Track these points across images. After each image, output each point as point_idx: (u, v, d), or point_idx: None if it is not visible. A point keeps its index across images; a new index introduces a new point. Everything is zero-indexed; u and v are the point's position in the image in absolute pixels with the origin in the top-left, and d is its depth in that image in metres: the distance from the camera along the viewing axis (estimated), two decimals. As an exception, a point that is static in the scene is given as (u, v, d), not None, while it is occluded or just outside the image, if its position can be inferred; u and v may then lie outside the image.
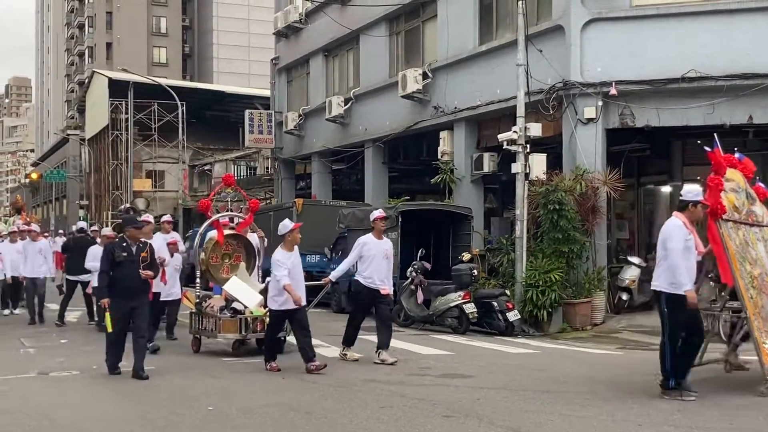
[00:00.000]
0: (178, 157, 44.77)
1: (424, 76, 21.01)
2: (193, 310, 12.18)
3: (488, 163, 19.09)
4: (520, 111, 15.85)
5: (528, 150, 15.82)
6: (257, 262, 12.79)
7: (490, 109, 18.85)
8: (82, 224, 19.87)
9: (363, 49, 24.81)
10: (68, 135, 64.81)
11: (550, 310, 15.08)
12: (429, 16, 21.93)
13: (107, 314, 9.79)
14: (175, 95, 40.25)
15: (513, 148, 15.86)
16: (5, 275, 17.43)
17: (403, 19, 23.26)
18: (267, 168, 38.96)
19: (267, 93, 36.12)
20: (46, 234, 24.14)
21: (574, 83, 16.38)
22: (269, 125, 30.49)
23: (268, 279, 12.40)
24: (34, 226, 17.95)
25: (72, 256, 16.89)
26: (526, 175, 15.77)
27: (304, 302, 10.31)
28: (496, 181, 22.17)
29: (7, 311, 17.95)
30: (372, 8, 23.12)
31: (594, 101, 16.32)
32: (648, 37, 16.21)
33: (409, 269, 15.70)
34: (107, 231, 16.05)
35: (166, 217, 14.98)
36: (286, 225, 10.57)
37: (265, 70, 41.85)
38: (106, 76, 51.19)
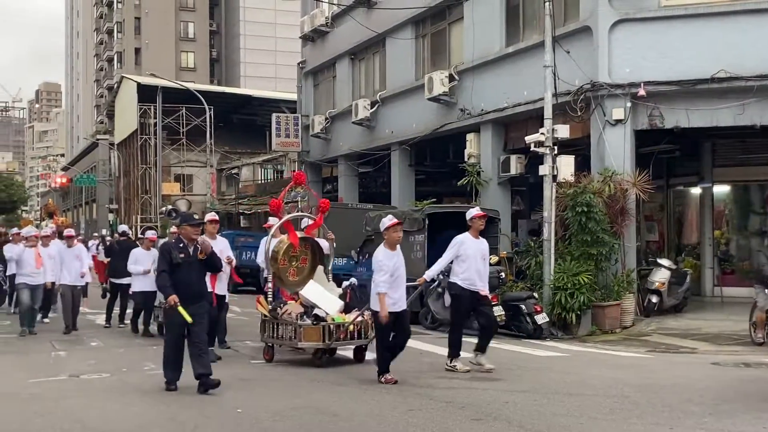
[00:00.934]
0: (205, 161, 45.07)
1: (451, 78, 20.98)
2: (266, 317, 11.47)
3: (515, 166, 19.02)
4: (548, 113, 15.77)
5: (556, 152, 15.73)
6: (326, 266, 12.11)
7: (517, 111, 18.78)
8: (124, 227, 19.93)
9: (389, 52, 24.83)
10: (98, 139, 65.52)
11: (578, 312, 14.98)
12: (455, 18, 21.90)
13: (181, 308, 8.89)
14: (202, 99, 40.53)
15: (540, 150, 15.79)
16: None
17: (429, 21, 23.25)
18: (294, 171, 39.05)
19: (294, 97, 36.27)
20: (80, 237, 24.30)
21: (602, 84, 16.27)
22: (296, 129, 30.61)
23: (345, 283, 12.00)
24: (71, 230, 17.30)
25: (116, 260, 17.03)
26: (554, 177, 15.69)
27: (405, 305, 9.83)
28: (523, 183, 22.10)
29: (12, 309, 17.83)
30: (398, 11, 23.13)
31: (622, 102, 16.21)
32: (677, 38, 16.07)
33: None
34: (150, 234, 15.87)
35: (210, 216, 14.78)
36: (383, 222, 9.96)
37: (291, 73, 42.06)
38: (135, 81, 51.73)
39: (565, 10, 17.79)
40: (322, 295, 11.35)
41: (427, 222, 16.71)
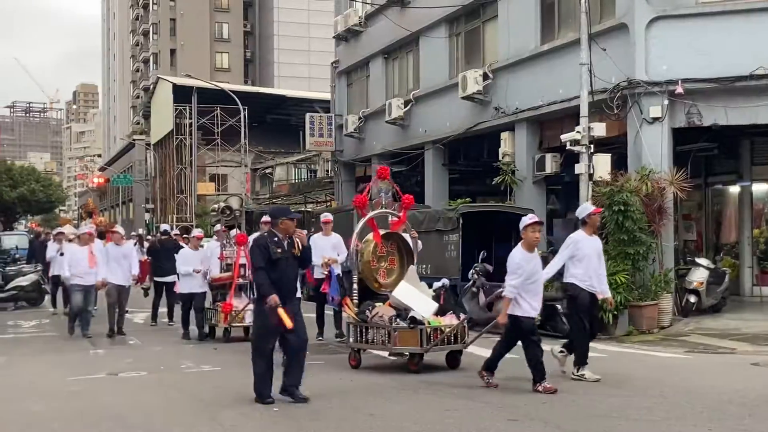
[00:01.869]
0: (240, 161, 45.23)
1: (485, 77, 20.88)
2: (353, 320, 10.83)
3: (551, 164, 18.88)
4: (584, 111, 15.64)
5: (592, 150, 15.59)
6: (412, 265, 11.42)
7: (553, 109, 18.65)
8: (166, 227, 20.09)
9: (423, 51, 24.79)
10: (134, 140, 66.20)
11: (615, 312, 14.82)
12: (489, 17, 21.80)
13: (281, 311, 8.25)
14: (237, 100, 40.76)
15: (576, 148, 15.66)
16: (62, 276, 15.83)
17: (463, 20, 23.17)
18: (327, 171, 39.23)
19: (327, 96, 36.33)
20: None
21: (638, 82, 16.11)
22: (329, 128, 30.67)
23: (437, 284, 11.31)
24: (119, 228, 16.76)
25: (158, 259, 17.18)
26: (590, 176, 15.55)
27: (536, 313, 9.29)
28: (558, 182, 21.94)
29: (51, 309, 18.23)
30: (432, 10, 23.08)
31: (659, 100, 16.03)
32: (714, 35, 15.87)
33: (471, 271, 15.56)
34: (197, 232, 15.64)
35: (266, 218, 14.76)
36: (523, 221, 9.40)
37: (325, 73, 42.09)
38: (171, 82, 52.24)
39: (601, 7, 17.63)
40: (416, 296, 10.71)
41: (461, 221, 16.65)
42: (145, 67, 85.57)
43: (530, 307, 9.13)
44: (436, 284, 11.04)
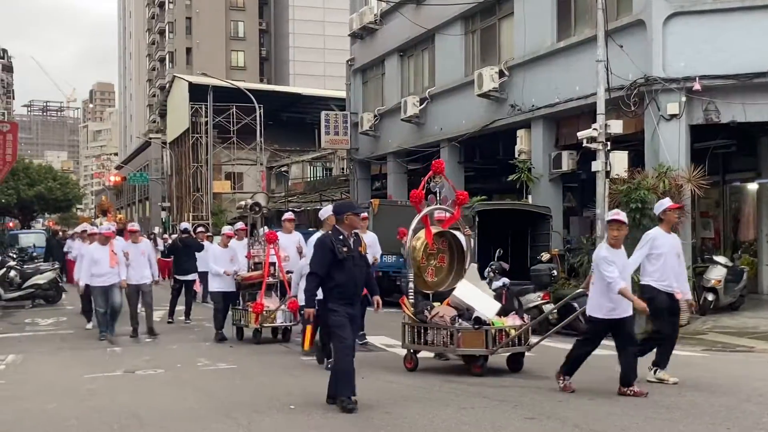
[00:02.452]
0: (255, 159, 45.44)
1: (501, 74, 20.82)
2: (410, 320, 10.33)
3: (567, 162, 18.80)
4: (600, 108, 15.56)
5: (608, 147, 15.51)
6: (465, 264, 10.96)
7: (569, 106, 18.57)
8: (186, 225, 20.08)
9: (438, 49, 24.74)
10: (150, 138, 66.52)
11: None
12: (505, 14, 21.73)
13: (308, 329, 7.97)
14: (252, 98, 40.88)
15: (593, 145, 15.58)
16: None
17: (478, 17, 23.11)
18: (343, 169, 39.18)
19: (342, 94, 36.37)
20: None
21: (656, 79, 16.01)
22: (345, 126, 30.69)
23: (497, 283, 11.02)
24: (135, 225, 16.28)
25: (178, 257, 17.18)
26: (607, 173, 15.47)
27: (630, 310, 8.72)
28: (575, 179, 21.85)
29: (90, 325, 15.73)
30: (447, 7, 23.02)
31: (677, 97, 15.92)
32: (733, 31, 15.75)
33: (487, 269, 15.53)
34: (228, 229, 15.21)
35: (288, 215, 14.49)
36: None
37: (340, 71, 42.16)
38: (187, 81, 52.43)
39: (617, 3, 17.53)
40: (478, 296, 10.26)
41: (477, 219, 16.61)
42: (161, 66, 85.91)
43: (611, 307, 8.67)
44: (496, 283, 10.65)
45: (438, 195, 11.05)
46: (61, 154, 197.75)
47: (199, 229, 19.88)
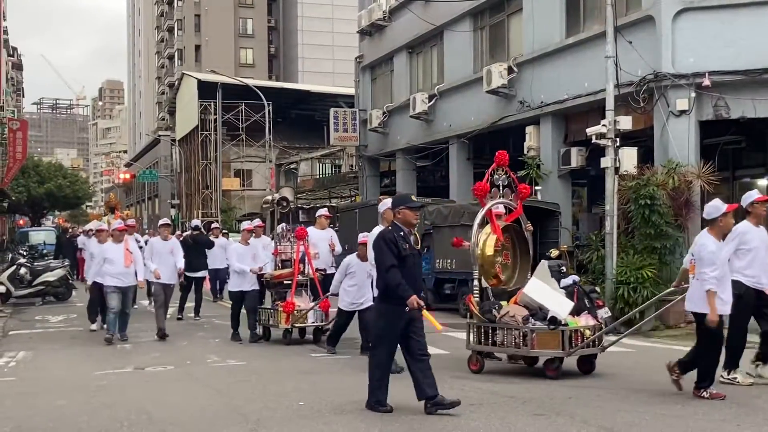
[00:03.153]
0: (264, 156, 45.49)
1: (510, 70, 20.79)
2: (476, 320, 9.89)
3: (576, 158, 18.77)
4: (609, 104, 15.53)
5: (618, 144, 15.48)
6: (530, 261, 10.52)
7: (578, 102, 18.54)
8: (197, 222, 20.14)
9: (447, 45, 24.72)
10: (159, 136, 66.64)
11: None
12: (514, 10, 21.70)
13: (425, 314, 7.62)
14: (261, 95, 40.93)
15: (602, 142, 15.55)
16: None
17: (487, 13, 23.08)
18: (352, 166, 39.27)
19: (351, 91, 36.36)
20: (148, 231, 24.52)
21: (665, 75, 15.96)
22: (354, 123, 30.70)
23: (567, 281, 10.42)
24: (166, 220, 15.84)
25: (189, 254, 17.07)
26: (616, 170, 15.44)
27: (727, 308, 8.15)
28: (584, 176, 21.80)
29: (95, 326, 15.11)
30: (456, 3, 23.02)
31: (686, 93, 15.88)
32: (742, 26, 15.69)
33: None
34: (247, 224, 14.50)
35: (323, 211, 14.31)
36: (717, 206, 8.29)
37: (349, 68, 42.15)
38: (196, 78, 52.52)
39: (626, -1, 17.51)
40: (550, 294, 9.77)
41: (486, 216, 16.56)
42: (170, 63, 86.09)
43: (721, 302, 8.04)
44: (565, 281, 10.32)
45: (501, 188, 10.39)
46: (71, 152, 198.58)
47: (214, 225, 19.97)
